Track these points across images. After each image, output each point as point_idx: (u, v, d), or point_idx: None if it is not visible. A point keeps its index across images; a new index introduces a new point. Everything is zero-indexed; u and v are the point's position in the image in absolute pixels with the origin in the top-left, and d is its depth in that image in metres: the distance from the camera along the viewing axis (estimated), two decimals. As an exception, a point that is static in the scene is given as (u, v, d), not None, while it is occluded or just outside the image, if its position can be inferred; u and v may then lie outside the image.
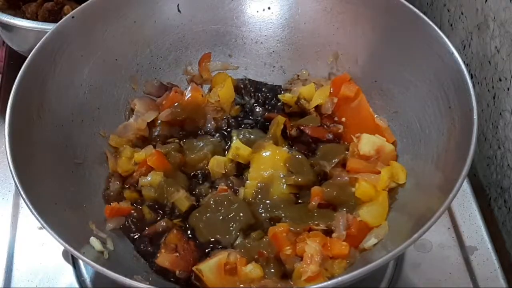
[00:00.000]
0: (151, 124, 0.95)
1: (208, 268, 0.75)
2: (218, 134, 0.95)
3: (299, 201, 0.86)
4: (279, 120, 0.93)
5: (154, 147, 0.91)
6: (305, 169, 0.87)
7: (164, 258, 0.77)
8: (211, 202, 0.84)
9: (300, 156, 0.89)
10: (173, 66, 1.02)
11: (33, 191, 0.73)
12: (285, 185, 0.86)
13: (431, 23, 0.85)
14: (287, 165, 0.87)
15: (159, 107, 0.97)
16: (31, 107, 0.83)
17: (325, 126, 0.95)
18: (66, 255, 0.90)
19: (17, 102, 0.80)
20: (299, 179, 0.86)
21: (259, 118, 0.97)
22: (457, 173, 0.70)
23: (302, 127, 0.93)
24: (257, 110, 0.98)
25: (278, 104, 0.99)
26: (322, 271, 0.74)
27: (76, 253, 0.68)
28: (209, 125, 0.96)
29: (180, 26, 1.00)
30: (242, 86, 1.01)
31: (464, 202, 0.97)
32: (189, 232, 0.83)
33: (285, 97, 0.98)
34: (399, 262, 0.90)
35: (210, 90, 1.02)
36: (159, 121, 0.95)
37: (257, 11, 1.02)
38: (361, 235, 0.79)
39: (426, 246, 0.91)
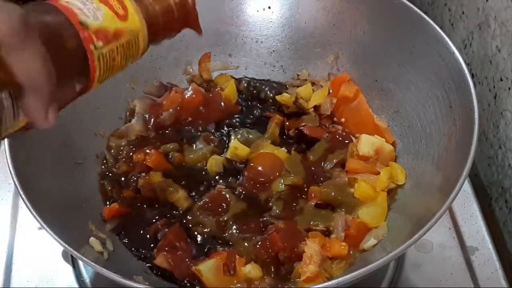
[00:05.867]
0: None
1: (207, 268, 0.75)
2: (217, 134, 0.95)
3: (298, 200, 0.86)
4: (277, 119, 0.93)
5: (154, 147, 0.91)
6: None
7: (162, 259, 0.77)
8: (209, 202, 0.84)
9: (298, 156, 0.88)
10: (173, 66, 1.01)
11: (33, 191, 0.72)
12: (283, 185, 0.85)
13: (432, 22, 0.85)
14: (285, 165, 0.87)
15: (159, 107, 0.97)
16: (30, 107, 0.82)
17: (323, 127, 0.95)
18: (65, 255, 0.90)
19: (16, 102, 0.79)
20: (297, 179, 0.86)
21: (258, 117, 0.97)
22: (458, 173, 0.70)
23: (300, 127, 0.93)
24: (256, 110, 0.98)
25: (277, 104, 0.99)
26: (321, 272, 0.74)
27: (75, 253, 0.68)
28: (209, 125, 0.96)
29: (180, 26, 1.00)
30: (241, 86, 1.01)
31: (465, 202, 0.97)
32: (188, 232, 0.82)
33: (283, 97, 0.98)
34: (399, 262, 0.90)
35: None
36: (158, 121, 0.95)
37: (257, 11, 1.02)
38: (360, 235, 0.79)
39: (427, 247, 0.91)
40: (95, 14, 0.52)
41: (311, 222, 0.81)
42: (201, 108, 0.96)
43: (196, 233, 0.82)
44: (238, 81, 1.02)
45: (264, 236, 0.79)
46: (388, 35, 0.92)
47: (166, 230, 0.81)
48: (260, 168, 0.87)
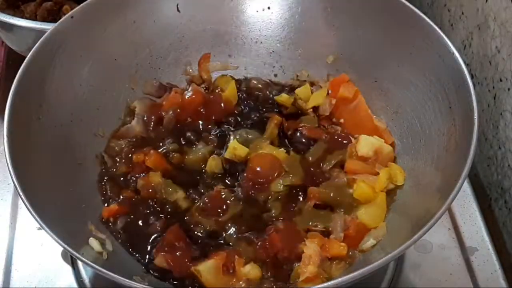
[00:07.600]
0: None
1: (206, 268, 0.75)
2: (217, 134, 0.95)
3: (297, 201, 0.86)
4: (276, 120, 0.93)
5: (153, 147, 0.91)
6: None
7: (162, 259, 0.77)
8: (209, 202, 0.84)
9: (297, 157, 0.89)
10: (172, 66, 1.01)
11: (32, 192, 0.72)
12: (282, 185, 0.85)
13: (431, 23, 0.85)
14: (284, 165, 0.87)
15: (159, 108, 0.97)
16: (30, 107, 0.82)
17: (322, 127, 0.95)
18: (65, 255, 0.90)
19: (16, 102, 0.80)
20: (296, 180, 0.86)
21: (257, 118, 0.97)
22: (457, 174, 0.70)
23: (299, 128, 0.93)
24: (255, 110, 0.98)
25: (276, 104, 0.98)
26: (320, 272, 0.74)
27: (75, 253, 0.68)
28: (208, 126, 0.96)
29: (180, 26, 1.00)
30: (241, 86, 1.01)
31: (465, 202, 0.97)
32: (187, 232, 0.82)
33: (282, 98, 0.98)
34: (399, 262, 0.90)
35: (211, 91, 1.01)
36: (158, 122, 0.95)
37: (257, 11, 1.02)
38: (360, 236, 0.79)
39: (426, 247, 0.91)
40: None
41: (310, 223, 0.81)
42: (200, 108, 0.96)
43: (195, 233, 0.82)
44: (238, 81, 1.02)
45: (263, 236, 0.79)
46: (387, 35, 0.92)
47: (165, 230, 0.81)
48: (259, 169, 0.87)
